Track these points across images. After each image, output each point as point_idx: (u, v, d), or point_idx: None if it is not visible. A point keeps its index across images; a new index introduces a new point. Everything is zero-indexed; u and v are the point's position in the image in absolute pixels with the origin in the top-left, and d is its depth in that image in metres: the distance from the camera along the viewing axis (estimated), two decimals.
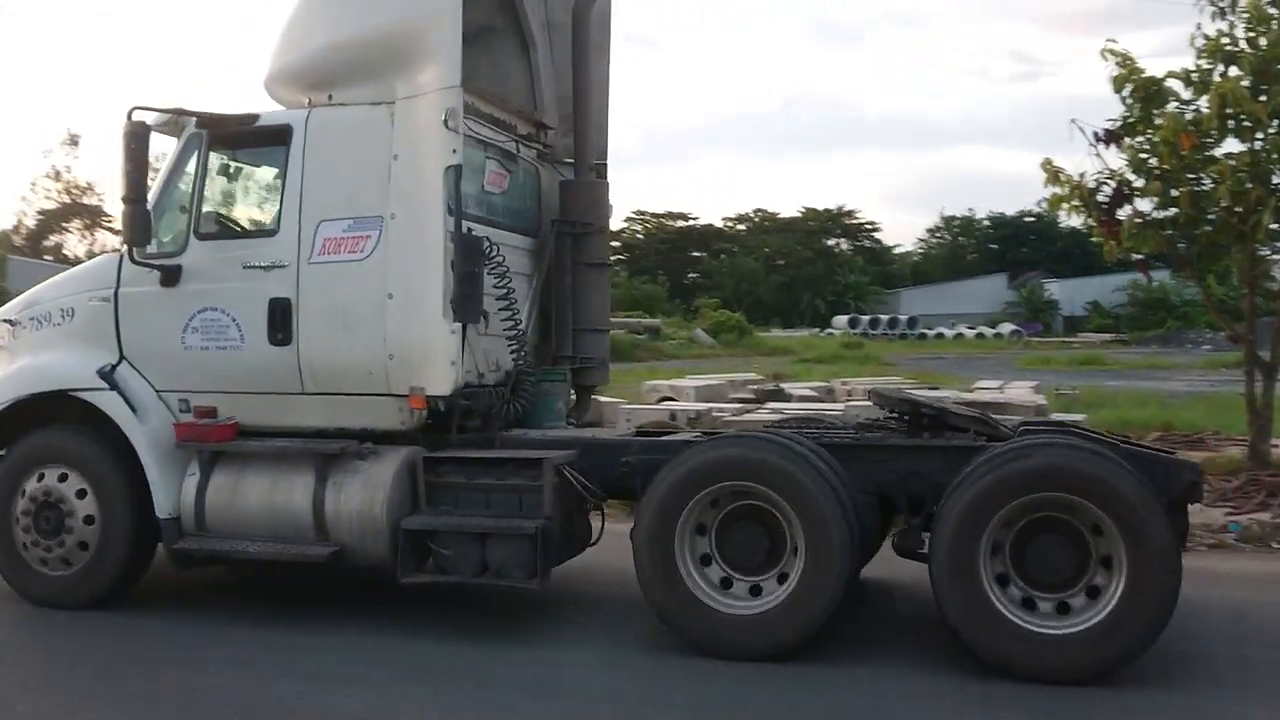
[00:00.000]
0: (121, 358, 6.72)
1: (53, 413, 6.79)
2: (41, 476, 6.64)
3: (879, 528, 6.07)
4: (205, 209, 6.72)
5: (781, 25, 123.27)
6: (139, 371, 6.71)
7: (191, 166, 6.73)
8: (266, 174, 6.96)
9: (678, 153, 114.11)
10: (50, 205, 67.12)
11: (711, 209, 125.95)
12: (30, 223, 66.89)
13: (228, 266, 6.55)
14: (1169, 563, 5.08)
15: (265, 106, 6.80)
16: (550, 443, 6.40)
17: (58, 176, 67.42)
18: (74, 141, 67.11)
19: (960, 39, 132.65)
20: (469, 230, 6.30)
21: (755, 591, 5.66)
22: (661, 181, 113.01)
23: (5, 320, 7.24)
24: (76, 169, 68.53)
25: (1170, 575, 5.07)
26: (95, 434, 6.64)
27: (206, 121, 6.70)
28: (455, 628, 6.22)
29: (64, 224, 66.61)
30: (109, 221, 65.65)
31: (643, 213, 77.05)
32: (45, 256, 59.52)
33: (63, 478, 6.61)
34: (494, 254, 6.55)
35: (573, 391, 7.54)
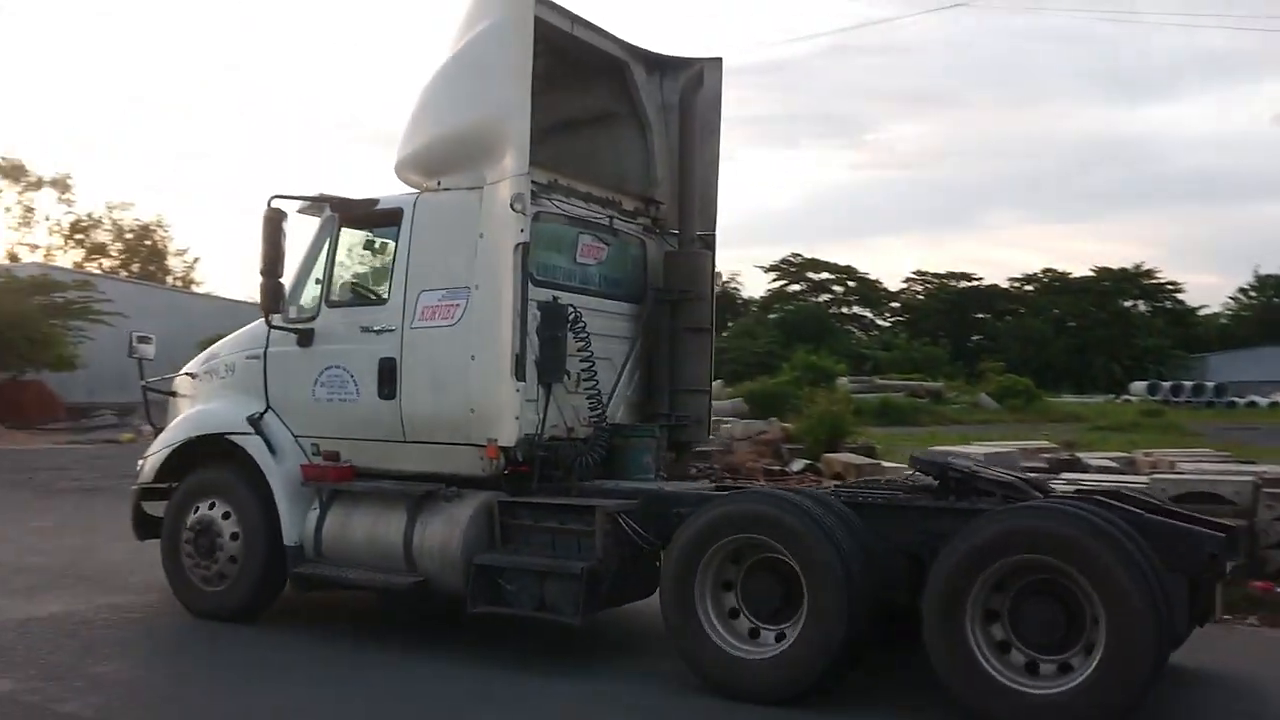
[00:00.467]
0: (268, 407, 7.77)
1: (218, 452, 7.91)
2: (197, 508, 7.82)
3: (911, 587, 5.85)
4: (335, 280, 7.79)
5: (1069, 79, 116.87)
6: (281, 419, 7.74)
7: (326, 244, 7.81)
8: (385, 250, 7.77)
9: (962, 212, 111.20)
10: None
11: (996, 270, 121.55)
12: None
13: (350, 330, 7.52)
14: (1149, 631, 4.96)
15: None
16: (618, 492, 6.87)
17: None
18: None
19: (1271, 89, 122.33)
20: (554, 299, 7.17)
21: (777, 637, 5.90)
22: (944, 242, 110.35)
23: (189, 373, 8.66)
24: None
25: (1149, 643, 4.98)
26: (242, 471, 7.70)
27: (337, 206, 7.75)
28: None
29: None
30: None
31: (923, 273, 75.66)
32: None
33: (212, 506, 7.78)
34: (577, 321, 7.23)
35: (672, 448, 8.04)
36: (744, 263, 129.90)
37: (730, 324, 64.28)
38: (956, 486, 6.10)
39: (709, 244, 8.43)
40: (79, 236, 73.43)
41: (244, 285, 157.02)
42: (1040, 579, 5.27)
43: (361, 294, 7.91)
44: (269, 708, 5.82)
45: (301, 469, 7.51)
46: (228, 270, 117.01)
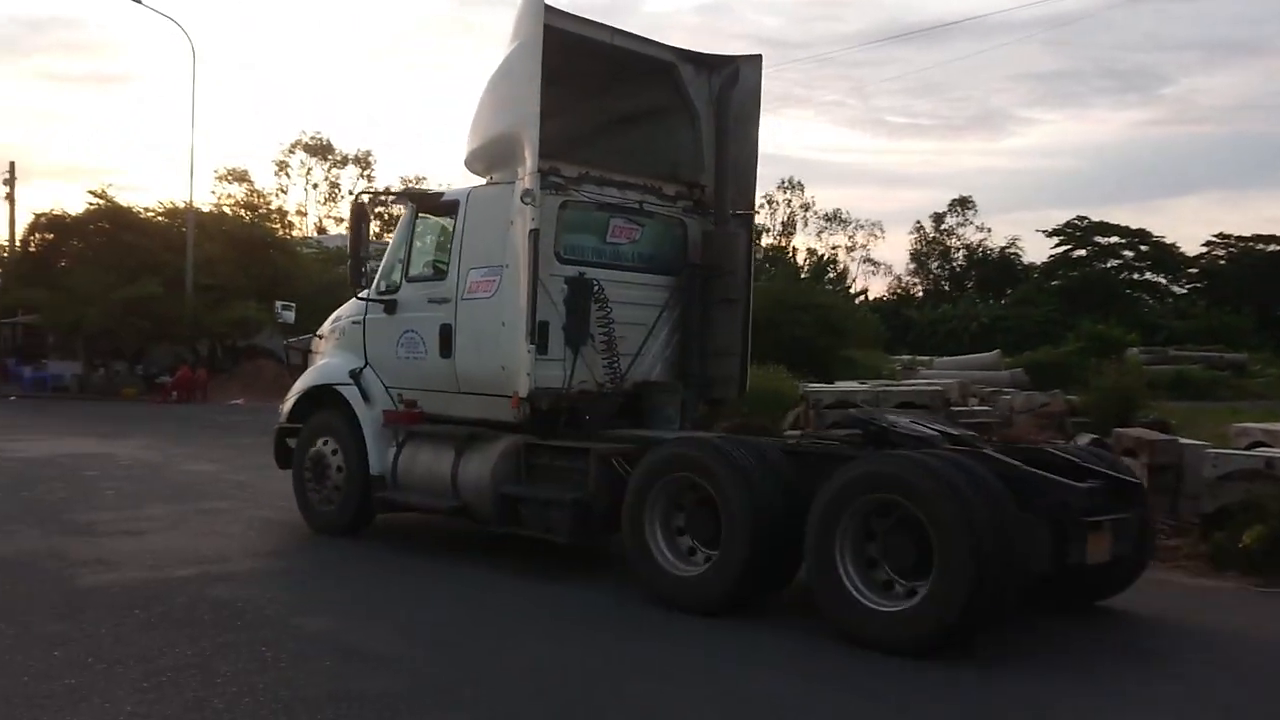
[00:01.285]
0: (366, 363, 9.49)
1: (330, 400, 9.68)
2: (315, 444, 9.63)
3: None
4: (413, 259, 9.36)
5: None
6: (376, 373, 9.42)
7: (407, 230, 9.39)
8: (448, 234, 9.10)
9: (1270, 170, 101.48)
10: None
11: None
12: None
13: (421, 301, 9.03)
14: (970, 560, 5.81)
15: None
16: (624, 438, 8.08)
17: None
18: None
19: None
20: (581, 273, 8.45)
21: (705, 558, 7.08)
22: (1248, 202, 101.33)
23: (318, 335, 10.51)
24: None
25: (970, 571, 5.81)
26: (346, 415, 9.42)
27: (415, 198, 9.73)
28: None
29: None
30: None
31: (1226, 236, 69.88)
32: None
33: (325, 443, 9.55)
34: (600, 293, 8.53)
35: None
36: (1023, 227, 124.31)
37: (1009, 291, 61.71)
38: (874, 438, 7.19)
39: (746, 223, 9.58)
40: (378, 209, 78.29)
41: None
42: (900, 514, 6.16)
43: (430, 270, 9.24)
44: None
45: (383, 414, 9.19)
46: None
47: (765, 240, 62.31)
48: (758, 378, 19.33)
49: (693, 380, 9.14)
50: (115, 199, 34.62)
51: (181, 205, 35.04)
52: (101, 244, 32.22)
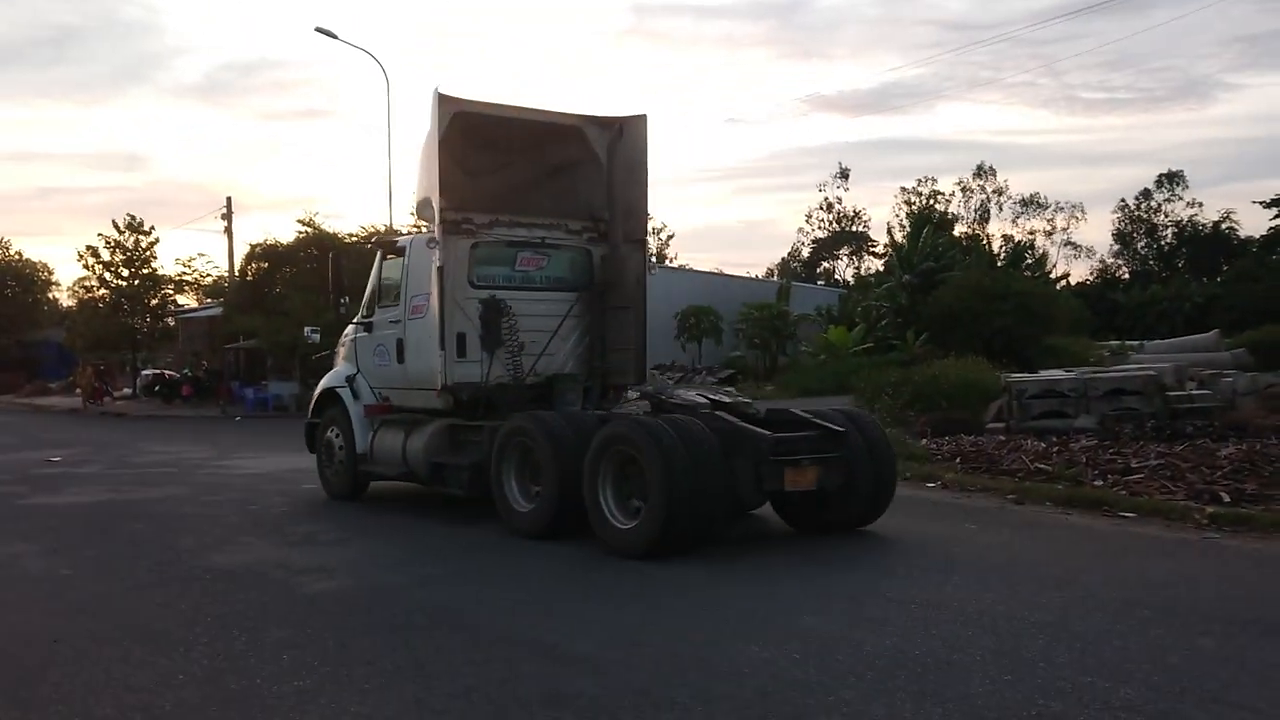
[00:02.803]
0: (358, 371, 12.53)
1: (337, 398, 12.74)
2: (327, 432, 12.84)
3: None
4: (381, 290, 12.25)
5: None
6: (364, 378, 12.42)
7: (375, 267, 12.40)
8: (401, 270, 11.75)
9: None
10: (821, 234, 73.90)
11: None
12: (806, 251, 74.34)
13: (385, 321, 11.99)
14: (665, 491, 8.17)
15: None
16: (519, 418, 9.98)
17: (829, 208, 74.03)
18: (844, 175, 73.30)
19: None
20: (492, 295, 11.05)
21: (533, 495, 9.74)
22: None
23: (335, 350, 13.59)
24: (847, 200, 74.66)
25: (666, 499, 8.16)
26: (344, 409, 12.45)
27: (380, 244, 12.85)
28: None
29: (834, 251, 72.99)
30: (872, 246, 70.71)
31: None
32: (819, 282, 65.80)
33: (333, 431, 12.69)
34: (508, 310, 11.07)
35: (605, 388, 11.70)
36: (1238, 199, 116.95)
37: (1225, 268, 58.11)
38: (655, 405, 9.91)
39: (638, 246, 11.85)
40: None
41: (717, 258, 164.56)
42: (635, 459, 8.54)
43: (392, 299, 11.93)
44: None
45: (364, 408, 12.22)
46: (700, 243, 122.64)
47: (958, 229, 60.54)
48: (956, 369, 18.85)
49: (597, 371, 11.69)
50: (322, 226, 36.39)
51: (382, 229, 36.56)
52: (311, 269, 33.93)
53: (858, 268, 70.75)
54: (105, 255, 41.94)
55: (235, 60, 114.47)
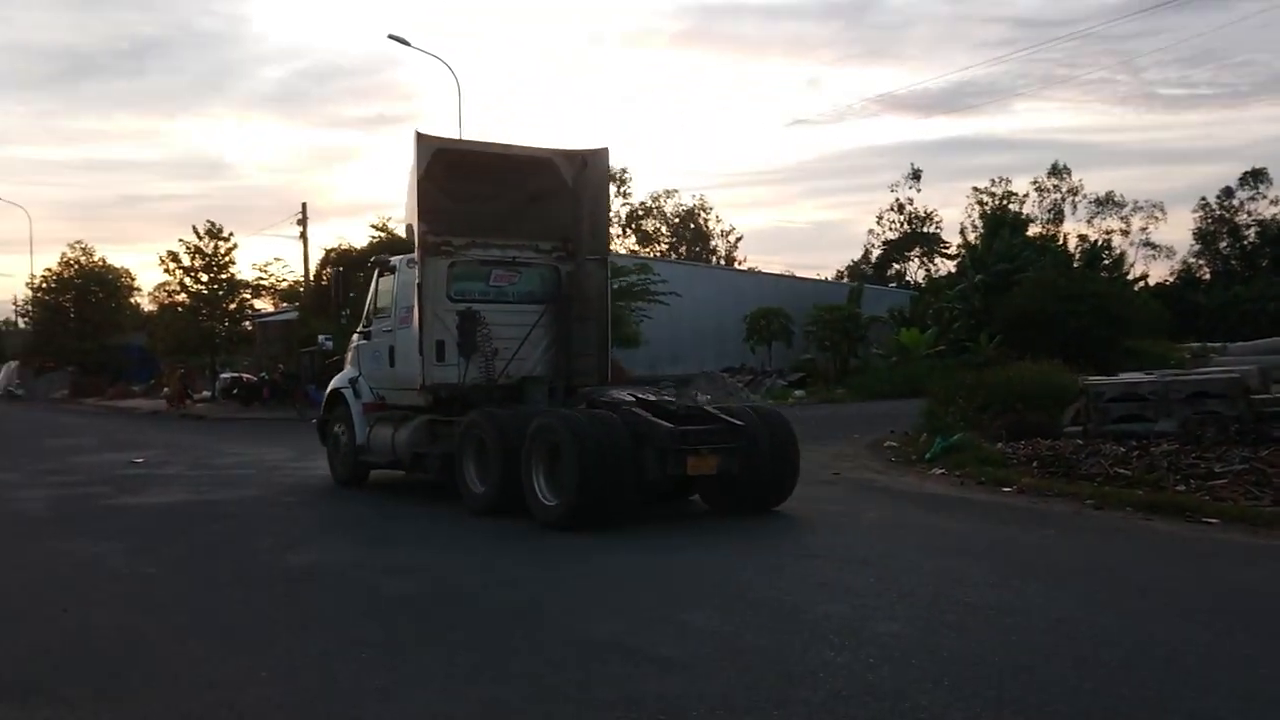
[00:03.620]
0: (359, 373, 14.32)
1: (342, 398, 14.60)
2: (334, 428, 14.66)
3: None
4: (376, 303, 13.93)
5: None
6: (365, 380, 14.19)
7: (373, 283, 14.12)
8: (393, 285, 13.48)
9: None
10: (893, 236, 73.18)
11: None
12: (876, 252, 73.66)
13: (380, 330, 13.67)
14: (580, 470, 9.82)
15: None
16: (489, 414, 11.45)
17: (900, 209, 73.29)
18: (916, 175, 72.54)
19: None
20: (469, 308, 12.40)
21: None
22: None
23: (344, 356, 15.35)
24: (918, 200, 73.82)
25: (578, 481, 9.83)
26: (347, 408, 14.27)
27: (376, 263, 14.32)
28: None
29: (905, 252, 72.21)
30: (945, 247, 69.87)
31: None
32: (890, 283, 65.18)
33: (340, 427, 14.50)
34: (481, 321, 12.42)
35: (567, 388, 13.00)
36: None
37: None
38: (589, 402, 11.71)
39: (601, 263, 13.39)
40: (635, 225, 80.00)
41: (786, 260, 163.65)
42: (556, 444, 10.16)
43: (386, 310, 13.58)
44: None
45: (363, 405, 14.00)
46: (769, 244, 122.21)
47: (1032, 230, 59.62)
48: (1032, 372, 18.57)
49: (562, 373, 12.98)
50: (395, 231, 36.83)
51: None
52: None
53: (929, 269, 69.99)
54: (186, 261, 42.87)
55: (310, 68, 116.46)
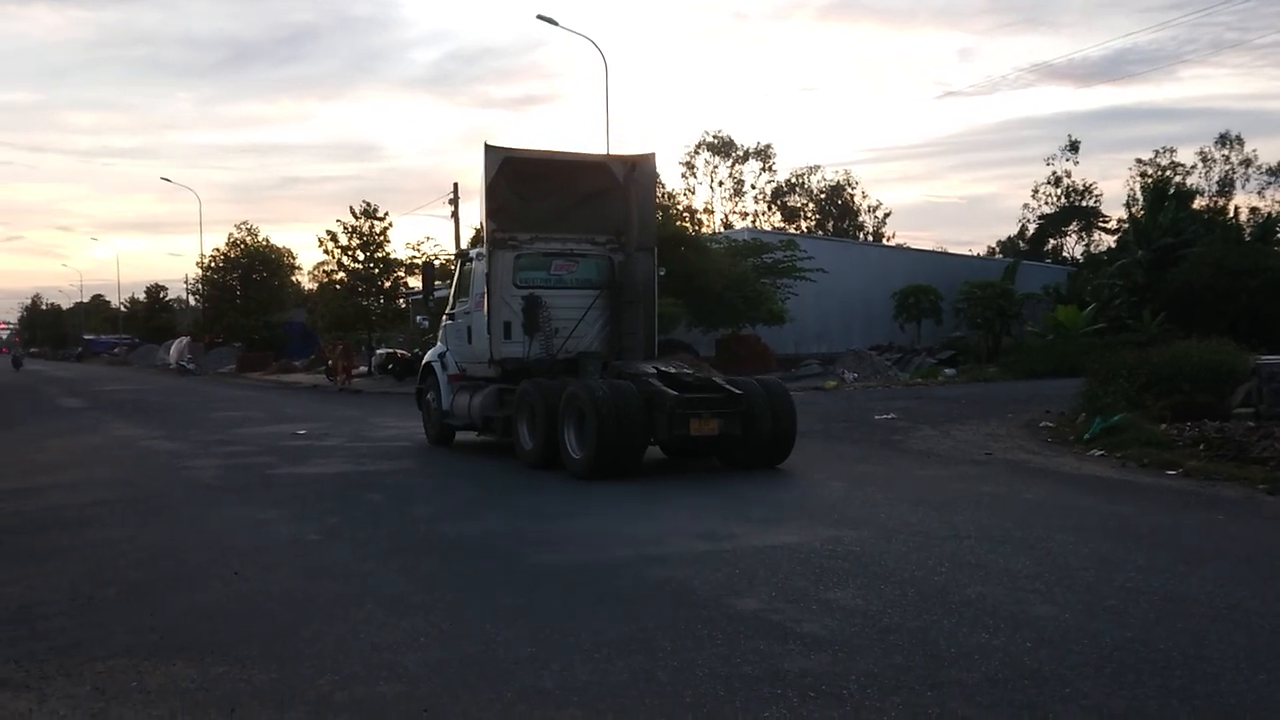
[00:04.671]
0: (447, 349, 16.60)
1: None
2: (427, 396, 17.10)
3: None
4: (460, 288, 16.20)
5: None
6: (451, 355, 16.43)
7: (457, 272, 16.52)
8: (471, 275, 15.75)
9: None
10: (1049, 210, 70.71)
11: None
12: (1031, 227, 71.29)
13: (463, 313, 15.87)
14: (598, 429, 11.96)
15: None
16: (537, 384, 13.51)
17: (1057, 182, 70.75)
18: (1073, 147, 69.95)
19: None
20: (532, 293, 14.58)
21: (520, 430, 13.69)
22: None
23: (436, 335, 18.05)
24: (1076, 173, 71.17)
25: (597, 439, 11.97)
26: (436, 378, 16.67)
27: (459, 255, 17.91)
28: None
29: (1062, 227, 69.70)
30: (1104, 222, 67.25)
31: None
32: (1046, 259, 63.10)
33: (430, 395, 16.92)
34: (544, 305, 14.60)
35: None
36: None
37: None
38: (614, 374, 13.68)
39: (649, 254, 15.25)
40: (779, 201, 79.27)
41: (937, 236, 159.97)
42: (582, 409, 12.30)
43: (466, 296, 15.79)
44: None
45: (448, 376, 16.25)
46: (919, 220, 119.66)
47: (1199, 203, 56.89)
48: (1199, 350, 17.74)
49: (613, 349, 14.85)
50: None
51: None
52: None
53: (1088, 244, 67.44)
54: (343, 240, 44.32)
55: (459, 50, 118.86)
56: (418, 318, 18.99)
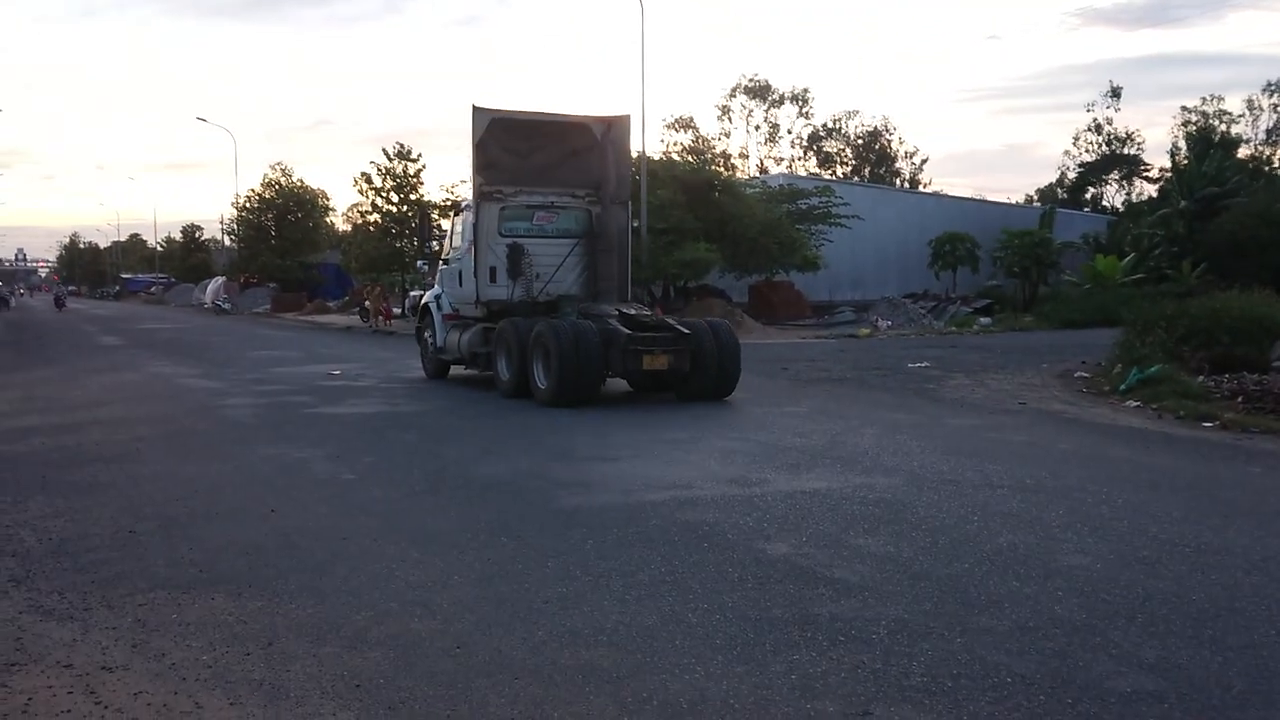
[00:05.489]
0: (442, 291, 17.84)
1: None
2: (423, 333, 18.67)
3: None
4: (452, 236, 17.76)
5: None
6: (445, 296, 17.67)
7: (452, 220, 17.93)
8: (466, 223, 16.87)
9: None
10: (1090, 158, 69.63)
11: None
12: (1071, 175, 70.28)
13: (455, 258, 17.17)
14: (559, 363, 13.70)
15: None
16: (512, 322, 15.13)
17: (1098, 129, 69.63)
18: (1115, 94, 68.70)
19: None
20: (515, 242, 15.99)
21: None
22: None
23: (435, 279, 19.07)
24: (1118, 121, 69.94)
25: (557, 372, 13.75)
26: (431, 317, 18.10)
27: (452, 206, 19.47)
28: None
29: (1102, 175, 68.69)
30: (1145, 170, 66.20)
31: None
32: (1085, 208, 62.26)
33: (428, 332, 18.39)
34: (526, 252, 16.03)
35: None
36: None
37: None
38: (581, 314, 15.21)
39: (625, 207, 16.73)
40: (816, 146, 78.44)
41: (975, 183, 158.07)
42: (546, 345, 14.07)
43: (459, 242, 17.13)
44: None
45: (442, 316, 17.68)
46: (957, 167, 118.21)
47: (1244, 152, 55.86)
48: (1240, 303, 17.50)
49: (589, 293, 16.41)
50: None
51: (635, 155, 37.04)
52: None
53: (1129, 193, 66.47)
54: (377, 182, 44.34)
55: None
56: (418, 262, 21.47)
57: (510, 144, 16.13)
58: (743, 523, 7.34)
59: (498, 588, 5.85)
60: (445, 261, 17.83)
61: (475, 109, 15.61)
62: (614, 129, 16.56)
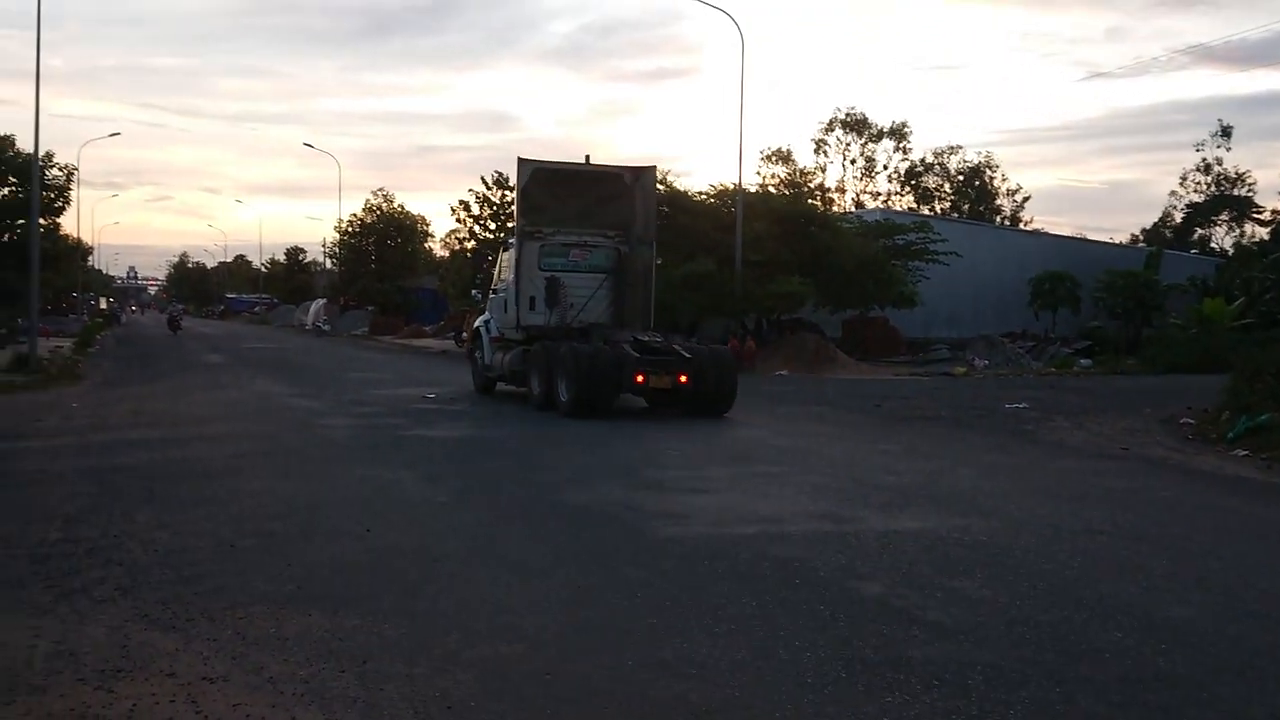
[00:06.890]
0: (490, 317, 20.24)
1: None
2: (473, 352, 21.54)
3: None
4: (500, 269, 20.51)
5: None
6: (494, 321, 19.96)
7: (500, 256, 20.86)
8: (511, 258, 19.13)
9: None
10: (1198, 198, 67.83)
11: None
12: (1178, 216, 68.51)
13: (502, 289, 19.63)
14: (577, 380, 16.24)
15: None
16: (545, 345, 17.58)
17: (1207, 169, 67.84)
18: (1225, 133, 66.94)
19: None
20: (553, 276, 18.38)
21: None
22: None
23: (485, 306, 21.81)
24: (1228, 161, 68.04)
25: (575, 388, 16.25)
26: (481, 340, 20.71)
27: (499, 244, 23.12)
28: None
29: (1211, 217, 66.82)
30: (1257, 212, 64.28)
31: None
32: (1192, 250, 60.64)
33: (478, 352, 20.89)
34: (562, 285, 18.31)
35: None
36: None
37: None
38: (603, 339, 17.42)
39: (650, 245, 19.00)
40: (914, 182, 77.71)
41: (1076, 222, 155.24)
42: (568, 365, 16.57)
43: (505, 275, 19.34)
44: None
45: (491, 339, 19.83)
46: (1058, 205, 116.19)
47: None
48: None
49: (616, 321, 18.40)
50: (673, 184, 37.26)
51: (730, 186, 37.01)
52: (661, 226, 34.83)
53: (1239, 235, 64.48)
54: (475, 210, 45.07)
55: (594, 22, 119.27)
56: (472, 291, 25.06)
57: (550, 190, 18.56)
58: (835, 560, 7.25)
59: (587, 616, 5.86)
60: (494, 291, 20.36)
61: (520, 160, 18.32)
62: (642, 177, 18.93)
